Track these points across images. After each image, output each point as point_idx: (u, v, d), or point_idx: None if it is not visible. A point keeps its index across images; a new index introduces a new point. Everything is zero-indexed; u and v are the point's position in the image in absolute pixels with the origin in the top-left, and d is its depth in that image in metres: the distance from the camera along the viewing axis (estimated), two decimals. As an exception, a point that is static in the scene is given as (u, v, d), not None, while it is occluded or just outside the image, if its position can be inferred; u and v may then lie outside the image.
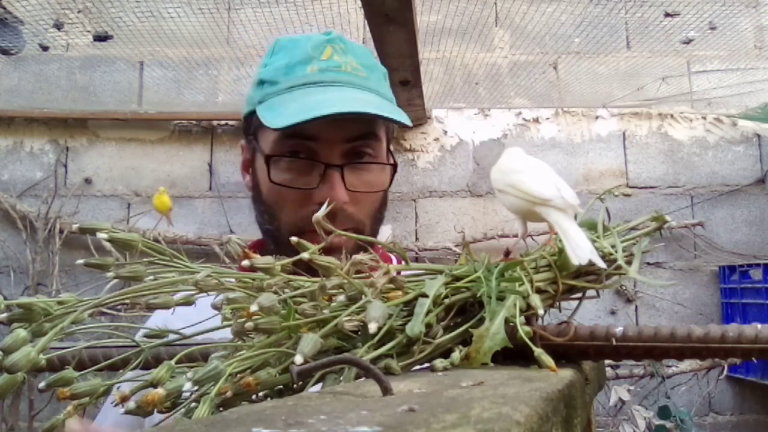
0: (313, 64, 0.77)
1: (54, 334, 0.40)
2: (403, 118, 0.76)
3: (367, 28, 1.49)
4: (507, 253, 0.53)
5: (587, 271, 0.54)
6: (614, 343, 0.48)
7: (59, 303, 0.42)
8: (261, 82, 0.81)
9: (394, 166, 0.83)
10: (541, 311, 0.45)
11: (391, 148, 0.86)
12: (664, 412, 2.33)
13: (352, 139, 0.77)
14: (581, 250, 0.48)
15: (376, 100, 0.77)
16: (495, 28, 2.47)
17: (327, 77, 0.77)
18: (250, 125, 0.83)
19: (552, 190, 0.52)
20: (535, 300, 0.45)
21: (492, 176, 0.59)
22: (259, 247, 0.85)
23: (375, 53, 1.60)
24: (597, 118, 2.62)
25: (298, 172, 0.77)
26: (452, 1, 1.96)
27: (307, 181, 0.76)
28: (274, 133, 0.76)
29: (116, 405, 0.38)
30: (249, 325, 0.40)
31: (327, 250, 0.47)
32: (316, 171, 0.76)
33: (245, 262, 0.43)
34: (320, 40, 0.79)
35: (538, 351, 0.43)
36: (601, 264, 0.49)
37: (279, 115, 0.73)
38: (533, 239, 0.59)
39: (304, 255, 0.44)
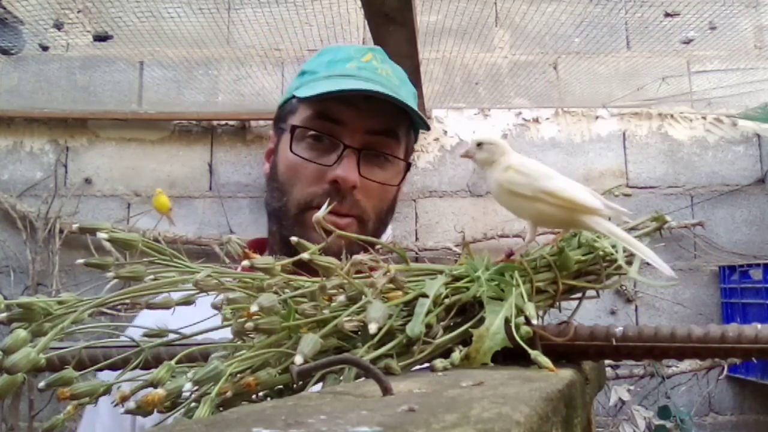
0: (353, 63, 0.83)
1: (54, 334, 0.40)
2: (423, 120, 0.83)
3: (367, 28, 1.48)
4: (510, 254, 0.53)
5: (587, 271, 0.54)
6: (614, 343, 0.48)
7: (59, 303, 0.42)
8: (302, 73, 0.86)
9: (407, 169, 0.87)
10: (535, 321, 0.45)
11: (411, 159, 0.90)
12: (664, 412, 2.33)
13: (375, 132, 0.81)
14: (661, 266, 0.48)
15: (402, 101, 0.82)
16: (495, 28, 2.46)
17: (363, 74, 0.82)
18: (282, 113, 0.87)
19: (596, 200, 0.51)
20: (530, 309, 0.45)
21: (510, 179, 0.53)
22: (257, 247, 0.86)
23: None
24: (597, 118, 2.62)
25: (318, 151, 0.81)
26: (452, 1, 1.96)
27: (324, 160, 0.80)
28: (304, 113, 0.81)
29: (116, 405, 0.38)
30: (249, 325, 0.40)
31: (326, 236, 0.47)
32: (334, 153, 0.80)
33: (245, 262, 0.43)
34: (363, 47, 0.86)
35: (534, 353, 0.43)
36: (669, 272, 0.48)
37: (312, 90, 0.78)
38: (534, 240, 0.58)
39: (304, 255, 0.44)
